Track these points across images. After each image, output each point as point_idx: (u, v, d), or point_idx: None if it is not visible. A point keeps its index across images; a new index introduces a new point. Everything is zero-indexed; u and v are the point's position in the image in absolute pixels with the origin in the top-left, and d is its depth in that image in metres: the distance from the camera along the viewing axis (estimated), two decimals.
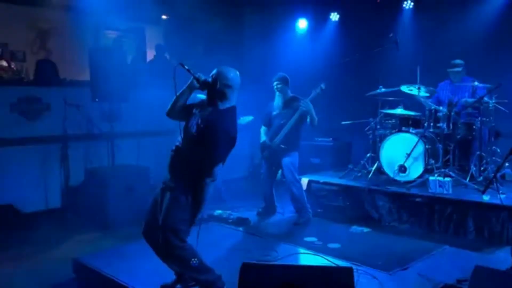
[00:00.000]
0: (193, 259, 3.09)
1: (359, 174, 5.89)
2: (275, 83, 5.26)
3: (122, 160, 6.01)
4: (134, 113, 6.34)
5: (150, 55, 8.32)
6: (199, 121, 3.11)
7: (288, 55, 7.74)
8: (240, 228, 5.04)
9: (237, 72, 3.25)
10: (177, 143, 3.19)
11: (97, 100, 5.73)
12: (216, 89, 3.16)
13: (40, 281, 3.97)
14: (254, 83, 6.63)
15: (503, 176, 5.42)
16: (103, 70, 5.58)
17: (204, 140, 3.04)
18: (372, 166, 5.79)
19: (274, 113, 5.32)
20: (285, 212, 5.62)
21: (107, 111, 5.90)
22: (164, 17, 8.79)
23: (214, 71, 3.22)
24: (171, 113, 3.26)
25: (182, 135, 3.18)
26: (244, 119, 5.91)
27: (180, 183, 3.10)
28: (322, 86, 5.14)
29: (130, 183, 5.54)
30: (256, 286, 2.45)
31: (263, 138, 5.39)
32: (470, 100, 5.60)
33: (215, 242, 4.46)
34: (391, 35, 6.03)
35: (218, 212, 5.38)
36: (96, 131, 6.06)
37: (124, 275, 3.68)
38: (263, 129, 5.45)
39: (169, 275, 3.40)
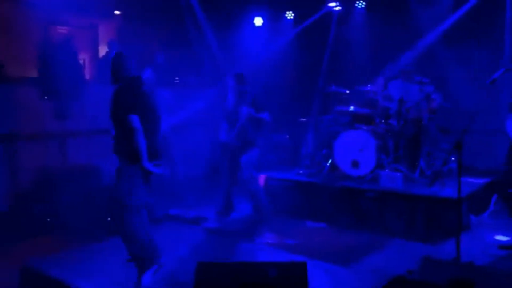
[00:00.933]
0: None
1: (314, 171, 6.00)
2: (230, 79, 5.27)
3: (74, 160, 5.82)
4: (86, 111, 6.15)
5: (103, 51, 8.10)
6: None
7: (244, 52, 7.76)
8: (198, 227, 5.01)
9: None
10: None
11: (46, 97, 5.51)
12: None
13: None
14: (210, 80, 6.61)
15: (449, 170, 5.66)
16: (53, 67, 5.38)
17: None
18: (327, 162, 5.91)
19: (231, 109, 5.32)
20: (242, 209, 5.64)
21: (58, 109, 5.69)
22: (117, 12, 8.57)
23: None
24: None
25: None
26: (196, 106, 5.98)
27: (121, 163, 3.43)
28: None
29: (82, 183, 5.38)
30: (212, 285, 2.45)
31: (221, 135, 5.38)
32: (419, 98, 5.83)
33: (171, 241, 4.42)
34: (342, 33, 6.18)
35: (174, 211, 5.32)
36: (46, 129, 5.83)
37: (77, 278, 3.58)
38: (222, 124, 5.44)
39: (124, 277, 3.35)
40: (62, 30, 8.55)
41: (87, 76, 7.39)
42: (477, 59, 5.89)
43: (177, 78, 6.78)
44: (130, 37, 7.78)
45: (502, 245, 4.21)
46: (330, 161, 5.85)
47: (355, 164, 5.50)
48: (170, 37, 7.58)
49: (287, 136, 7.22)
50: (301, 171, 6.10)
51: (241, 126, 5.15)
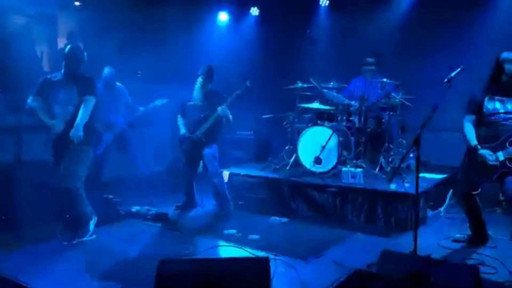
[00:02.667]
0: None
1: (278, 166, 6.04)
2: (199, 73, 5.23)
3: (31, 155, 5.60)
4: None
5: (62, 43, 7.83)
6: None
7: (209, 47, 7.70)
8: (159, 224, 4.95)
9: None
10: None
11: (0, 90, 5.28)
12: None
13: None
14: (174, 73, 6.52)
15: (408, 166, 5.83)
16: (8, 59, 5.16)
17: None
18: (290, 159, 5.96)
19: (191, 103, 5.28)
20: (205, 205, 5.61)
21: (13, 102, 5.46)
22: (77, 3, 8.30)
23: None
24: None
25: None
26: (159, 102, 5.93)
27: None
28: (248, 83, 5.21)
29: (39, 179, 5.18)
30: (173, 282, 2.42)
31: (182, 130, 5.33)
32: (380, 95, 5.97)
33: (132, 239, 4.35)
34: (308, 31, 6.23)
35: (135, 208, 5.24)
36: (0, 123, 5.58)
37: (32, 278, 3.45)
38: (180, 119, 5.40)
39: (79, 276, 3.27)
40: (18, 20, 8.20)
41: (46, 69, 7.13)
42: (437, 57, 6.07)
43: (139, 72, 6.65)
44: (91, 30, 7.56)
45: (457, 239, 4.37)
46: (293, 157, 5.90)
47: (318, 160, 5.57)
48: (133, 30, 7.41)
49: (252, 132, 7.23)
50: (265, 167, 6.12)
51: (208, 124, 5.13)
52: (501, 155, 3.68)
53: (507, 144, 3.67)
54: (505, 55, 3.75)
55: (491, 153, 3.75)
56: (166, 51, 7.14)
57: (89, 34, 7.55)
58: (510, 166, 3.66)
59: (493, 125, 3.80)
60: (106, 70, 5.87)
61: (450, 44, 6.24)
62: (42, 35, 8.15)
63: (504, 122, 3.74)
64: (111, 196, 5.31)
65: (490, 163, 3.74)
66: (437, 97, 3.56)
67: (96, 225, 4.47)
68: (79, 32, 7.93)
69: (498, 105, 3.79)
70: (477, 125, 3.93)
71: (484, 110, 3.83)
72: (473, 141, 3.88)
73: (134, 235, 4.55)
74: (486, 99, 3.83)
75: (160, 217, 5.07)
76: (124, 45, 7.23)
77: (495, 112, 3.78)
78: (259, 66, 7.21)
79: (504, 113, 3.74)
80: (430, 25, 6.51)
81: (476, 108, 3.89)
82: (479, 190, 3.99)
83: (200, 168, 5.49)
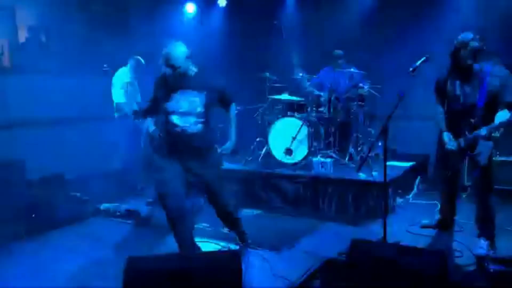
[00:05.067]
0: None
1: (250, 159, 6.03)
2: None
3: None
4: (6, 101, 5.71)
5: (22, 37, 7.53)
6: None
7: (176, 39, 7.54)
8: (129, 221, 4.86)
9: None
10: None
11: None
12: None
13: None
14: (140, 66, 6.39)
15: (377, 155, 5.93)
16: None
17: None
18: (262, 150, 5.96)
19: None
20: None
21: None
22: None
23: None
24: None
25: None
26: None
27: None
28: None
29: (1, 178, 5.00)
30: (143, 279, 2.38)
31: (151, 127, 5.20)
32: (348, 85, 6.02)
33: (102, 238, 4.27)
34: (275, 22, 6.21)
35: (105, 205, 5.12)
36: None
37: None
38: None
39: (46, 277, 3.19)
40: None
41: (6, 64, 6.85)
42: (403, 46, 6.16)
43: (105, 65, 6.47)
44: (53, 21, 7.31)
45: (424, 225, 4.47)
46: (264, 149, 5.90)
47: (289, 152, 5.59)
48: (96, 23, 7.20)
49: (222, 125, 7.17)
50: (236, 160, 6.10)
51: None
52: (462, 142, 3.70)
53: (466, 132, 3.68)
54: (460, 38, 3.64)
55: (452, 138, 3.76)
56: (131, 44, 6.98)
57: (51, 26, 7.30)
58: (471, 154, 3.68)
59: (455, 112, 3.80)
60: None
61: (415, 33, 6.35)
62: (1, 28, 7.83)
63: (463, 110, 3.70)
64: (78, 194, 5.18)
65: (448, 147, 3.76)
66: (403, 86, 3.59)
67: (62, 225, 4.35)
68: (40, 25, 7.66)
69: (458, 89, 3.78)
70: (446, 111, 3.90)
71: (448, 95, 3.83)
72: (441, 124, 3.88)
73: (103, 233, 4.46)
74: (448, 84, 3.82)
75: (130, 214, 4.98)
76: (88, 38, 7.02)
77: (456, 98, 3.75)
78: (227, 58, 7.15)
79: (463, 97, 3.72)
80: (395, 16, 6.60)
81: (442, 94, 3.89)
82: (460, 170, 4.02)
83: None
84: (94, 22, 7.10)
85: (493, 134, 3.63)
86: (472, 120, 3.62)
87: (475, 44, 3.56)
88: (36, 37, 7.14)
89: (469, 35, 3.60)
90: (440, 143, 3.89)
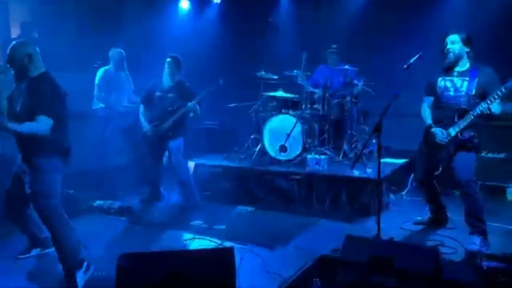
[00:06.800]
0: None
1: (244, 156, 6.02)
2: (166, 64, 5.10)
3: None
4: None
5: (14, 33, 7.47)
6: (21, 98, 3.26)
7: (171, 35, 7.54)
8: (123, 218, 4.84)
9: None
10: None
11: None
12: (17, 65, 3.30)
13: None
14: (135, 63, 6.36)
15: (371, 152, 5.94)
16: None
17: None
18: (256, 147, 5.95)
19: (159, 94, 5.13)
20: (171, 197, 5.53)
21: None
22: None
23: (8, 51, 3.36)
24: None
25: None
26: None
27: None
28: (221, 81, 5.17)
29: None
30: (135, 277, 2.37)
31: (145, 127, 5.18)
32: (342, 83, 6.03)
33: (95, 235, 4.23)
34: (270, 19, 6.20)
35: (98, 202, 5.09)
36: None
37: None
38: (142, 109, 5.25)
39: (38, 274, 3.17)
40: None
41: None
42: (397, 44, 6.17)
43: (98, 61, 6.43)
44: (47, 18, 7.26)
45: (418, 221, 4.49)
46: (259, 146, 5.89)
47: (283, 149, 5.59)
48: (90, 19, 7.16)
49: (217, 122, 7.16)
50: (231, 157, 6.09)
51: (175, 117, 5.03)
52: (452, 131, 3.79)
53: (455, 119, 3.78)
54: (447, 38, 3.86)
55: (443, 131, 3.85)
56: (125, 41, 6.94)
57: (44, 23, 7.25)
58: (462, 137, 3.77)
59: (445, 105, 3.90)
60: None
61: (409, 31, 6.37)
62: None
63: (453, 101, 3.84)
64: (71, 191, 5.14)
65: (440, 140, 3.82)
66: (397, 83, 3.62)
67: None
68: (34, 21, 7.61)
69: (449, 84, 3.89)
70: (435, 107, 4.01)
71: (438, 90, 3.94)
72: (428, 120, 4.00)
73: (96, 230, 4.43)
74: (439, 79, 3.94)
75: (124, 211, 4.96)
76: (81, 35, 6.97)
77: (446, 92, 3.89)
78: (222, 54, 7.14)
79: (454, 91, 3.85)
80: (390, 13, 6.61)
81: (432, 90, 4.00)
82: (440, 170, 4.07)
83: (165, 161, 5.40)
84: (87, 19, 7.06)
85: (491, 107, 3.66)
86: (463, 107, 3.76)
87: (464, 40, 3.80)
88: (29, 33, 7.10)
89: (458, 33, 3.84)
90: (426, 139, 3.95)
